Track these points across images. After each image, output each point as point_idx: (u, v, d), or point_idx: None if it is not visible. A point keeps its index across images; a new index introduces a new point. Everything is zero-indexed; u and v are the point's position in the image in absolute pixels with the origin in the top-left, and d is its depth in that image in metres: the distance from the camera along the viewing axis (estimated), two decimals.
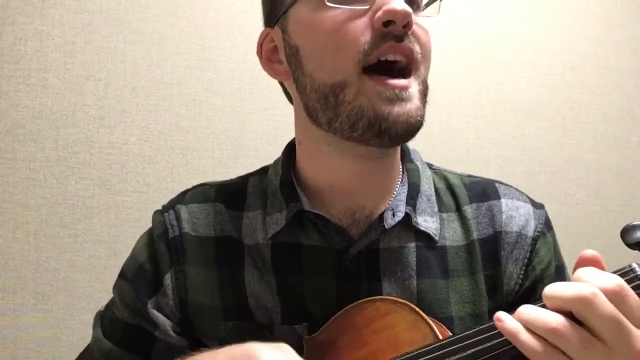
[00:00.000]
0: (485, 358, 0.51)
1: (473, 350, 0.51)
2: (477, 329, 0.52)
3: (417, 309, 0.60)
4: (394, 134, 0.60)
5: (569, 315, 0.47)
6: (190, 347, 0.69)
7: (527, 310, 0.48)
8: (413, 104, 0.61)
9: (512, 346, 0.49)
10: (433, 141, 1.57)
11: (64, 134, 1.31)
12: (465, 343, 0.52)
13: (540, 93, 1.68)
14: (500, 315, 0.49)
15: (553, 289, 0.48)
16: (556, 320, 0.46)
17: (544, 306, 0.48)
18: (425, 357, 0.54)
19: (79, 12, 1.33)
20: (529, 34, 1.68)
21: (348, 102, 0.61)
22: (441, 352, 0.53)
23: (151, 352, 0.70)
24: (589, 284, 0.46)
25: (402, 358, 0.56)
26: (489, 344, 0.51)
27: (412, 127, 0.61)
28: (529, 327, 0.47)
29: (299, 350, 0.56)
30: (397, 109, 0.60)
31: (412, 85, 0.61)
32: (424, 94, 0.63)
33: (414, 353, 0.55)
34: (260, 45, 0.72)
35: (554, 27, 1.70)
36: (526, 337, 0.47)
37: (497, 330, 0.50)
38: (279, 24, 0.68)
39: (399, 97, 0.60)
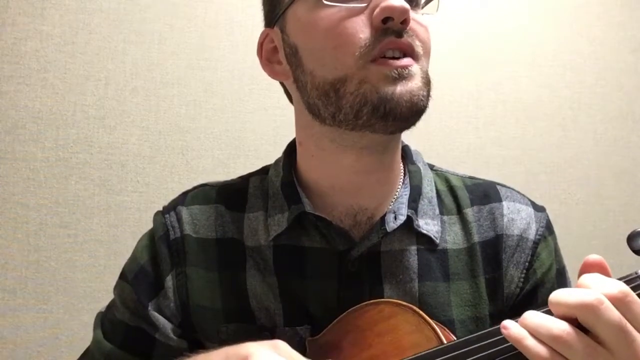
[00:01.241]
0: None
1: (477, 355, 0.51)
2: (481, 333, 0.52)
3: (421, 312, 0.60)
4: (399, 114, 0.60)
5: (574, 321, 0.47)
6: (191, 349, 0.69)
7: (531, 317, 0.48)
8: (415, 83, 0.61)
9: (517, 352, 0.49)
10: (433, 141, 1.57)
11: (64, 134, 1.31)
12: (469, 348, 0.52)
13: (540, 93, 1.68)
14: (506, 323, 0.49)
15: (558, 296, 0.48)
16: (560, 327, 0.46)
17: (549, 312, 0.49)
18: None
19: (79, 12, 1.33)
20: (529, 34, 1.68)
21: (350, 93, 0.61)
22: (445, 356, 0.53)
23: (152, 354, 0.70)
24: (594, 291, 0.46)
25: None
26: (493, 350, 0.51)
27: (416, 107, 0.61)
28: (534, 334, 0.47)
29: (302, 352, 0.56)
30: (400, 88, 0.60)
31: (414, 65, 0.62)
32: (426, 81, 0.63)
33: (417, 357, 0.55)
34: (260, 45, 0.72)
35: (554, 27, 1.70)
36: (531, 343, 0.47)
37: (502, 336, 0.50)
38: (278, 24, 0.69)
39: (401, 75, 0.60)
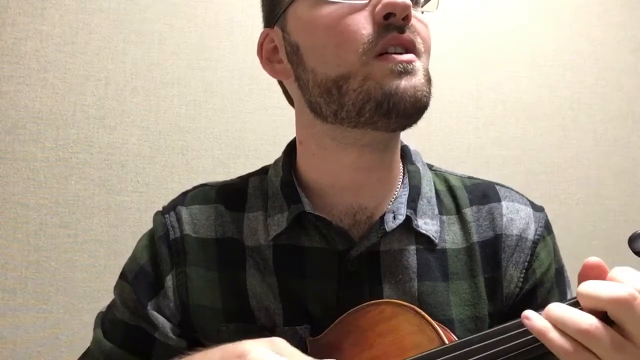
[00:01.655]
0: None
1: (480, 355, 0.51)
2: (482, 333, 0.52)
3: (423, 313, 0.60)
4: (402, 110, 0.60)
5: (600, 314, 0.46)
6: (190, 348, 0.69)
7: (557, 309, 0.47)
8: (418, 79, 0.61)
9: (518, 352, 0.49)
10: (433, 141, 1.57)
11: (64, 134, 1.31)
12: (469, 349, 0.52)
13: (540, 93, 1.68)
14: (529, 313, 0.48)
15: (589, 288, 0.47)
16: (587, 321, 0.46)
17: (573, 304, 0.48)
18: None
19: (79, 12, 1.33)
20: (529, 34, 1.68)
21: (353, 89, 0.61)
22: (447, 356, 0.53)
23: (152, 353, 0.70)
24: (627, 285, 0.46)
25: None
26: (493, 351, 0.51)
27: (419, 103, 0.61)
28: (559, 327, 0.47)
29: (302, 352, 0.56)
30: (405, 83, 0.60)
31: (417, 61, 0.62)
32: (428, 79, 0.64)
33: (419, 357, 0.55)
34: (260, 45, 0.72)
35: (554, 27, 1.70)
36: (555, 336, 0.46)
37: (503, 336, 0.50)
38: (278, 24, 0.69)
39: (406, 69, 0.60)
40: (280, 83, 0.76)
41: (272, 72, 0.71)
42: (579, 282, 0.50)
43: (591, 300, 0.47)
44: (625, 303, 0.45)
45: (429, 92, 0.63)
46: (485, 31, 1.64)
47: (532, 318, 0.48)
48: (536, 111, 1.67)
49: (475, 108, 1.62)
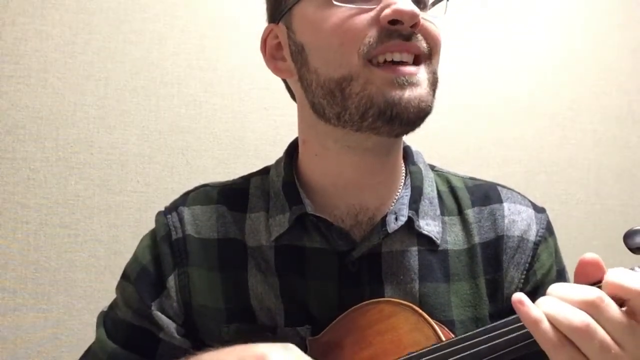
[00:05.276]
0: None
1: (474, 350, 0.52)
2: (479, 330, 0.53)
3: (420, 311, 0.61)
4: (405, 119, 0.60)
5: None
6: (193, 348, 0.69)
7: (551, 303, 0.47)
8: (423, 89, 0.61)
9: (514, 348, 0.49)
10: (433, 141, 1.57)
11: (64, 134, 1.31)
12: (467, 343, 0.52)
13: (540, 93, 1.68)
14: (523, 298, 0.46)
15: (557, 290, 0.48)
16: (582, 319, 0.45)
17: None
18: (428, 357, 0.54)
19: (79, 12, 1.33)
20: (528, 34, 1.68)
21: (356, 93, 0.61)
22: (444, 352, 0.53)
23: (156, 354, 0.70)
24: (596, 289, 0.46)
25: (404, 358, 0.56)
26: (489, 345, 0.51)
27: (423, 112, 0.61)
28: (551, 320, 0.46)
29: (302, 351, 0.56)
30: (409, 93, 0.60)
31: (421, 72, 0.62)
32: (433, 83, 0.64)
33: (417, 354, 0.55)
34: (264, 41, 0.71)
35: (554, 27, 1.70)
36: (547, 328, 0.45)
37: (499, 332, 0.50)
38: (283, 20, 0.68)
39: (409, 82, 0.60)
40: (284, 79, 0.75)
41: (276, 70, 0.71)
42: (575, 279, 0.50)
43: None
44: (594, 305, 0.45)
45: (432, 100, 0.63)
46: (485, 31, 1.64)
47: (527, 305, 0.46)
48: (536, 111, 1.67)
49: (475, 108, 1.62)
